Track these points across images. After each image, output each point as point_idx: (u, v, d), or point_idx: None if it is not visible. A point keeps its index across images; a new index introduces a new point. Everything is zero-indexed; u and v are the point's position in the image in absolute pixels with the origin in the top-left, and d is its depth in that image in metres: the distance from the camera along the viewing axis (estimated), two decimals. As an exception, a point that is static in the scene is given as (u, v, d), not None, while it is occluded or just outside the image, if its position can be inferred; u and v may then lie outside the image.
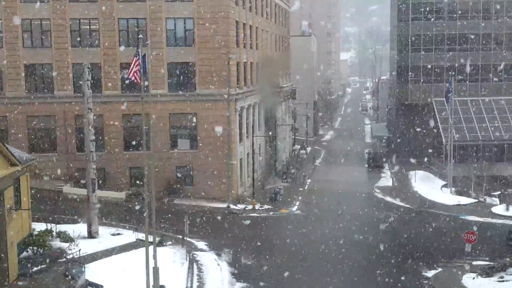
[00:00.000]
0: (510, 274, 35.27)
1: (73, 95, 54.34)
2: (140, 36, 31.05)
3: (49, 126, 55.65)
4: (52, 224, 38.76)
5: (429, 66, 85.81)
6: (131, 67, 29.41)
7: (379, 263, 39.76)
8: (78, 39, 54.97)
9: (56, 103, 54.63)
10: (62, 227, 39.29)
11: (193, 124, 55.73)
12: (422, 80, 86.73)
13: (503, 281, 34.96)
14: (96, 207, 40.28)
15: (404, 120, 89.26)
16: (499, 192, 68.14)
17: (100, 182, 50.19)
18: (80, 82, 40.37)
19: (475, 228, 44.06)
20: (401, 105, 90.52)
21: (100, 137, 53.46)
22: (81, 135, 47.47)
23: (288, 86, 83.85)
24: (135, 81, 29.23)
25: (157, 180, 47.52)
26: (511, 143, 78.19)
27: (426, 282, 36.57)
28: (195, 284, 34.56)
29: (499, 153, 78.34)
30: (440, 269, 38.93)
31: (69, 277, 29.63)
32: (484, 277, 35.91)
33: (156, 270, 30.22)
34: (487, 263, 38.94)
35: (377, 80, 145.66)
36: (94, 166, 40.84)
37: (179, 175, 55.61)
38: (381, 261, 40.27)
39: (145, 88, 32.11)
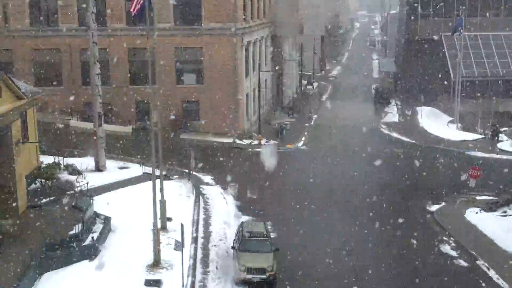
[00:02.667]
0: (513, 209, 35.64)
1: (78, 28, 53.82)
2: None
3: (55, 60, 55.38)
4: (59, 157, 39.10)
5: (439, 0, 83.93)
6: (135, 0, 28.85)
7: (383, 198, 40.16)
8: (82, -30, 53.96)
9: (61, 36, 54.19)
10: (70, 161, 39.70)
11: (199, 58, 55.31)
12: (432, 15, 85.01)
13: (506, 215, 35.33)
14: (102, 140, 40.47)
15: (413, 55, 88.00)
16: (506, 128, 67.96)
17: (107, 116, 50.27)
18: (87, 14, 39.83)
19: (479, 164, 44.19)
20: (410, 40, 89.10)
21: (106, 71, 53.19)
22: (87, 68, 47.21)
23: (296, 20, 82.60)
24: (137, 14, 28.74)
25: (163, 114, 47.63)
26: (519, 78, 77.43)
27: (429, 216, 37.00)
28: (202, 216, 35.12)
29: (507, 89, 77.68)
30: (443, 204, 39.32)
31: (78, 209, 30.09)
32: (487, 212, 36.29)
33: (163, 203, 30.66)
34: (491, 198, 39.26)
35: (386, 14, 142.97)
36: (100, 100, 40.80)
37: (185, 109, 55.64)
38: (385, 196, 40.67)
39: (150, 22, 31.65)
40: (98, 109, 40.34)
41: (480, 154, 54.60)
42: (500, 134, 58.82)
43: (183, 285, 24.85)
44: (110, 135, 47.95)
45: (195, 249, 29.63)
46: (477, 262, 29.83)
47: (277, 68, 73.59)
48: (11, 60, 54.58)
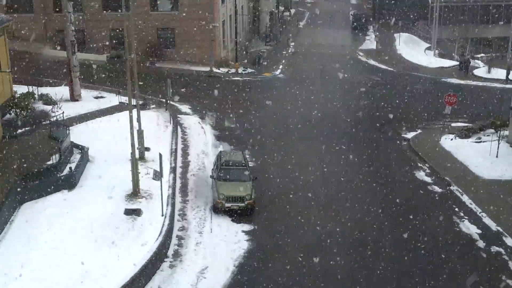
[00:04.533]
0: (487, 135, 36.16)
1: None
2: None
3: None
4: (33, 87, 38.37)
5: None
6: None
7: (359, 126, 40.45)
8: None
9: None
10: (44, 90, 38.96)
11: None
12: None
13: (480, 141, 35.90)
14: (77, 69, 39.70)
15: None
16: (483, 55, 68.19)
17: (81, 44, 49.17)
18: None
19: (455, 91, 44.50)
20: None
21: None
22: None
23: None
24: None
25: (138, 42, 46.74)
26: (497, 4, 77.00)
27: (405, 143, 37.46)
28: (180, 146, 35.12)
29: (484, 15, 77.39)
30: (419, 131, 39.77)
31: (54, 139, 29.81)
32: (462, 139, 36.84)
33: (140, 132, 30.50)
34: (466, 125, 39.76)
35: None
36: (73, 28, 39.72)
37: (160, 37, 54.62)
38: (362, 124, 40.96)
39: None
40: (71, 37, 39.31)
41: (456, 81, 54.95)
42: (470, 65, 58.67)
43: (162, 214, 25.08)
44: (84, 63, 47.09)
45: (174, 179, 29.75)
46: (451, 187, 30.49)
47: (253, -7, 72.17)
48: (-22, -15, 52.60)
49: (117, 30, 53.16)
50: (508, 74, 54.24)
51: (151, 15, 53.99)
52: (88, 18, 53.29)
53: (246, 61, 58.93)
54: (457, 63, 61.09)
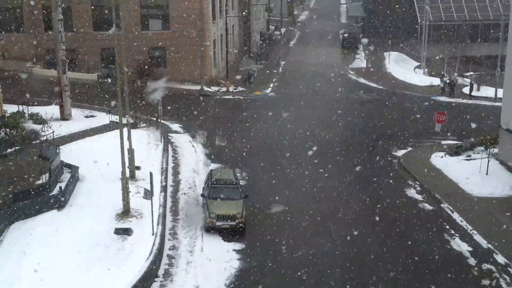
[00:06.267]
0: (477, 153, 36.32)
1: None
2: None
3: (15, 5, 53.58)
4: (24, 106, 38.25)
5: None
6: None
7: (350, 143, 40.56)
8: None
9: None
10: (35, 109, 38.86)
11: (165, 3, 54.12)
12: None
13: (470, 159, 36.06)
14: (67, 88, 39.67)
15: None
16: (471, 73, 68.73)
17: (71, 63, 49.20)
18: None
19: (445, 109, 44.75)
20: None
21: (69, 16, 51.78)
22: (49, 13, 45.78)
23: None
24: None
25: (129, 61, 46.81)
26: (485, 23, 77.82)
27: (395, 161, 37.55)
28: (170, 165, 35.05)
29: (473, 34, 78.16)
30: (409, 149, 39.91)
31: (44, 158, 29.67)
32: (452, 156, 36.98)
33: (131, 151, 30.43)
34: (456, 142, 39.95)
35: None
36: (64, 47, 39.76)
37: (151, 56, 54.75)
38: (353, 141, 41.08)
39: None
40: (62, 56, 39.35)
41: (445, 99, 55.33)
42: (457, 84, 58.84)
43: (153, 233, 24.94)
44: (75, 83, 47.06)
45: (165, 198, 29.65)
46: (442, 205, 30.53)
47: (244, 13, 72.56)
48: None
49: (108, 49, 53.24)
50: (496, 92, 54.65)
51: (142, 34, 54.13)
52: (79, 38, 53.35)
53: (238, 78, 59.09)
54: (447, 81, 61.19)
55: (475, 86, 59.24)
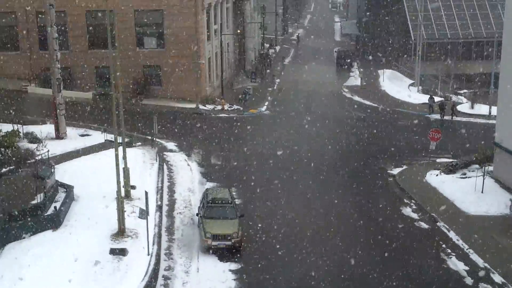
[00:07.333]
0: (472, 171, 36.35)
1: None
2: None
3: (10, 23, 53.70)
4: (18, 125, 38.17)
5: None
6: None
7: (345, 162, 40.57)
8: None
9: (16, -1, 52.54)
10: (29, 128, 38.80)
11: (160, 22, 54.34)
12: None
13: (465, 177, 36.09)
14: (62, 107, 39.64)
15: (374, 17, 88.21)
16: (465, 91, 69.00)
17: (66, 82, 49.19)
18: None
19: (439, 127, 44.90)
20: (371, 2, 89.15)
21: (64, 35, 51.88)
22: (44, 32, 45.91)
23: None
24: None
25: (124, 80, 46.84)
26: (479, 40, 78.34)
27: (391, 179, 37.55)
28: (166, 184, 34.94)
29: (467, 51, 78.63)
30: (405, 167, 39.94)
31: (39, 178, 29.53)
32: (447, 174, 37.00)
33: (126, 170, 30.33)
34: (451, 160, 39.99)
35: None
36: (59, 66, 39.79)
37: (146, 74, 54.84)
38: (348, 160, 41.09)
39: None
40: (57, 74, 39.37)
41: (439, 117, 55.42)
42: (448, 105, 58.37)
43: (148, 253, 24.80)
44: (70, 101, 47.02)
45: (160, 217, 29.53)
46: (438, 224, 30.51)
47: (238, 31, 72.86)
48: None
49: (103, 68, 53.30)
50: (490, 109, 54.83)
51: (137, 52, 54.25)
52: (74, 56, 53.41)
53: (232, 97, 59.16)
54: (442, 99, 61.33)
55: (468, 104, 59.43)
